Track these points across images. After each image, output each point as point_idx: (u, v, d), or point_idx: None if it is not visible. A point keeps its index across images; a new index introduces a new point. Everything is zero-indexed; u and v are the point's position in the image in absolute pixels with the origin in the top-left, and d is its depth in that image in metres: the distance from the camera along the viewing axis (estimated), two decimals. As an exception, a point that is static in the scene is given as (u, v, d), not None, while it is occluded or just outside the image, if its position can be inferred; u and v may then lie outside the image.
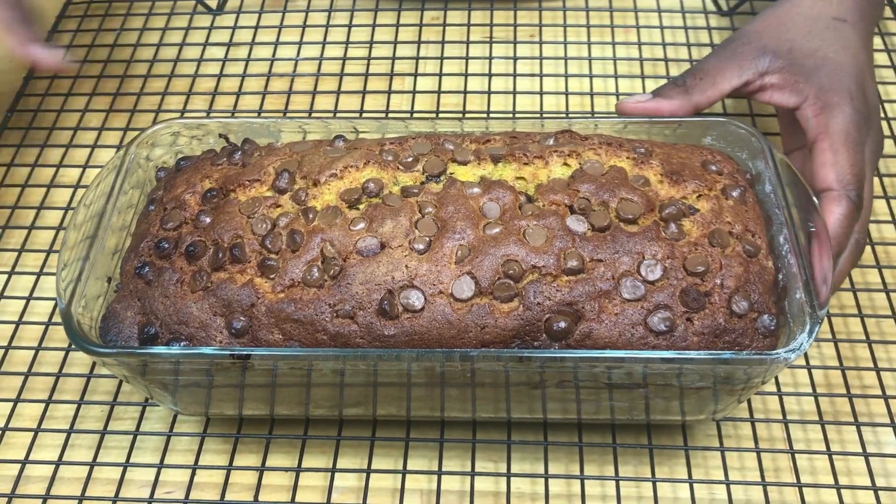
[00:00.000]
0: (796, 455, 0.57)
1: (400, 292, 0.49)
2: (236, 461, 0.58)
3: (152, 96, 0.79)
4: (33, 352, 0.63)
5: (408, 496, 0.56)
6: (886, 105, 0.76)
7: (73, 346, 0.62)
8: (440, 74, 0.80)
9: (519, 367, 0.48)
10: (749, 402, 0.59)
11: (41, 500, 0.56)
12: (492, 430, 0.58)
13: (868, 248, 0.66)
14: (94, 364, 0.62)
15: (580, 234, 0.50)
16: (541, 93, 0.78)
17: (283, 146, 0.58)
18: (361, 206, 0.53)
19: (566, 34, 0.83)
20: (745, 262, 0.50)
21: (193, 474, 0.57)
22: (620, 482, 0.56)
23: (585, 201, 0.52)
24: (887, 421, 0.58)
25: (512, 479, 0.56)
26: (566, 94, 0.78)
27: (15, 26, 0.61)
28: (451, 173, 0.54)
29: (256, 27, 0.85)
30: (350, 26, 0.85)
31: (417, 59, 0.82)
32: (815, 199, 0.52)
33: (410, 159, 0.55)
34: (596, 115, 0.76)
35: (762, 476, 0.56)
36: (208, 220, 0.53)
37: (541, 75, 0.80)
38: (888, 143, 0.72)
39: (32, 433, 0.59)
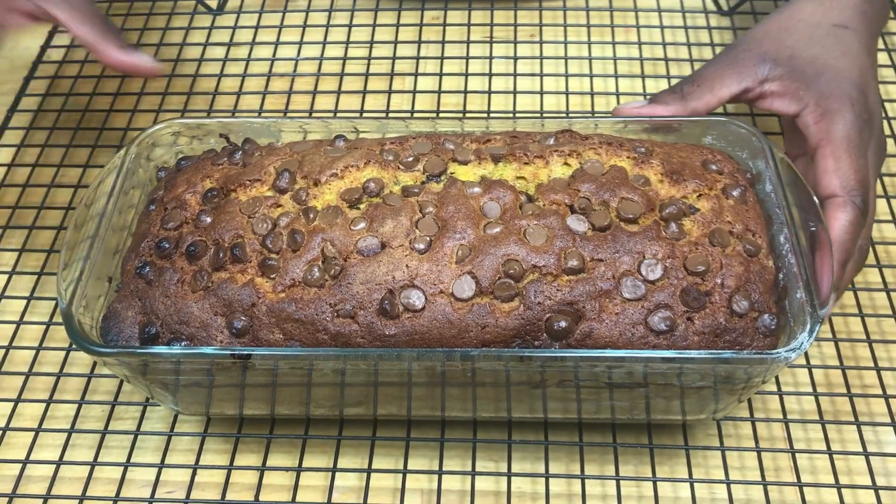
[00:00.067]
0: (797, 454, 0.57)
1: (400, 292, 0.49)
2: (237, 461, 0.58)
3: (153, 96, 0.79)
4: (34, 352, 0.63)
5: (408, 496, 0.56)
6: (886, 105, 0.76)
7: (73, 346, 0.62)
8: (440, 74, 0.80)
9: (519, 366, 0.48)
10: (749, 401, 0.59)
11: (42, 500, 0.56)
12: (492, 429, 0.58)
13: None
14: (94, 364, 0.62)
15: (581, 233, 0.50)
16: (541, 92, 0.78)
17: (284, 146, 0.58)
18: (362, 206, 0.53)
19: (566, 34, 0.83)
20: (746, 261, 0.50)
21: (194, 474, 0.57)
22: (621, 482, 0.56)
23: (586, 201, 0.52)
24: (888, 420, 0.58)
25: (512, 478, 0.56)
26: (566, 93, 0.78)
27: (108, 37, 0.61)
28: (452, 173, 0.54)
29: (257, 27, 0.85)
30: (350, 26, 0.85)
31: (418, 58, 0.82)
32: (815, 199, 0.52)
33: (411, 159, 0.55)
34: (596, 115, 0.76)
35: (763, 475, 0.56)
36: (209, 219, 0.53)
37: (541, 75, 0.80)
38: (888, 143, 0.72)
39: (33, 433, 0.59)
